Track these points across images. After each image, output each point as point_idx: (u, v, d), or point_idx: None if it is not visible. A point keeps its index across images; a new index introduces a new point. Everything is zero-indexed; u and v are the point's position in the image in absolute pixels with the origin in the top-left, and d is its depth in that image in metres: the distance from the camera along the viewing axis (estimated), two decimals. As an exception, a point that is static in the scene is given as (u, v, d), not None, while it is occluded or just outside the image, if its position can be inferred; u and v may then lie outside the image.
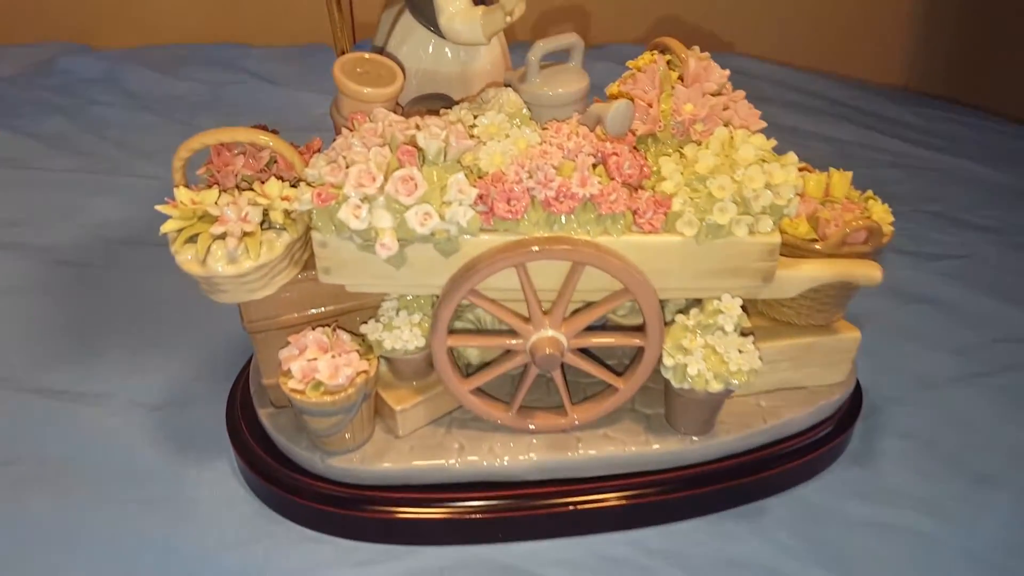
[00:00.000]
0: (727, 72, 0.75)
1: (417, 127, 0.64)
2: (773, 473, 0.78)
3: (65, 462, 0.84)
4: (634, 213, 0.66)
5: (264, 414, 0.79)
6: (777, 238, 0.66)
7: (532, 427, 0.74)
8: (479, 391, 0.73)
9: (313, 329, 0.71)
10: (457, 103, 0.76)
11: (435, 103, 0.77)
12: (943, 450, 0.86)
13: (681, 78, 0.80)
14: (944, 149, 1.53)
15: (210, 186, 0.71)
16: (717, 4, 1.94)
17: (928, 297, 1.10)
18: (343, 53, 0.75)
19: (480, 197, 0.64)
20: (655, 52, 0.86)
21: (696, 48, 0.85)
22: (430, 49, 0.77)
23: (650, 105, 0.73)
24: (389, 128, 0.64)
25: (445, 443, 0.74)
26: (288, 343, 0.70)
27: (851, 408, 0.84)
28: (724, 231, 0.65)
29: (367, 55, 0.70)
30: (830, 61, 1.95)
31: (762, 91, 1.74)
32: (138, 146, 1.49)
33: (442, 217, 0.62)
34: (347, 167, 0.62)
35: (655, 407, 0.77)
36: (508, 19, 0.69)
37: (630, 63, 0.87)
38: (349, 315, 0.75)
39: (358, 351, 0.70)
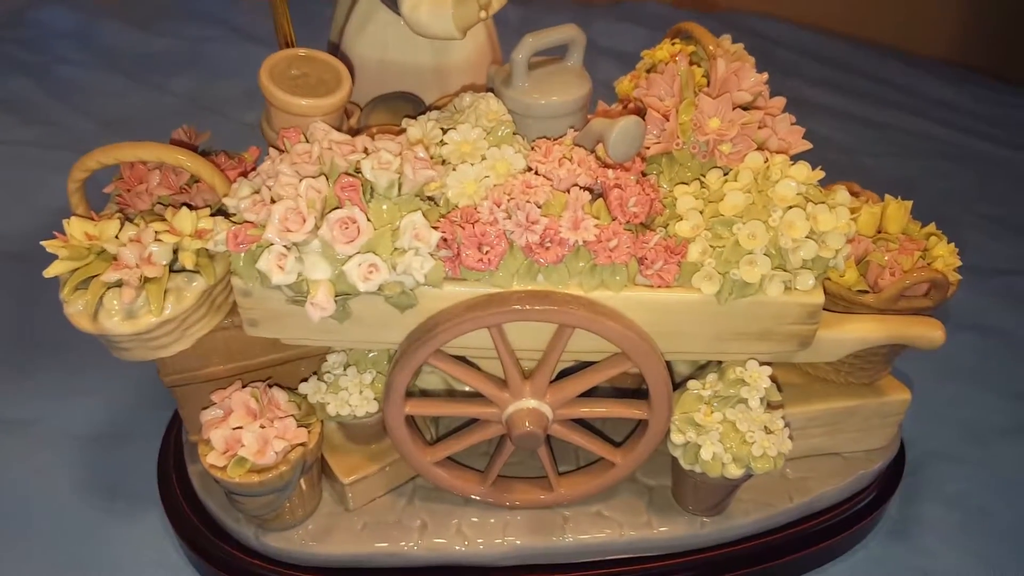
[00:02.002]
0: (764, 76, 0.60)
1: (364, 151, 0.50)
2: (797, 556, 0.65)
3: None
4: (640, 261, 0.52)
5: (194, 472, 0.66)
6: (819, 298, 0.53)
7: (511, 503, 0.61)
8: (446, 460, 0.61)
9: (243, 384, 0.58)
10: (429, 108, 0.62)
11: (401, 105, 0.63)
12: (997, 522, 0.73)
13: (707, 77, 0.65)
14: (1000, 139, 1.35)
15: (120, 209, 0.58)
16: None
17: (981, 324, 0.95)
18: (287, 44, 0.61)
19: (444, 240, 0.50)
20: (676, 41, 0.71)
21: (727, 38, 0.70)
22: (397, 36, 0.62)
23: (666, 117, 0.58)
24: (328, 152, 0.50)
25: (405, 520, 0.62)
26: (211, 400, 0.58)
27: (891, 474, 0.71)
28: (753, 289, 0.51)
29: (304, 52, 0.56)
30: (858, 24, 1.75)
31: (788, 62, 1.56)
32: (106, 114, 1.35)
33: (393, 267, 0.49)
34: (271, 200, 0.49)
35: (659, 477, 0.64)
36: (483, 14, 0.54)
37: (645, 53, 0.73)
38: (289, 364, 0.62)
39: (295, 416, 0.57)
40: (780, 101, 0.62)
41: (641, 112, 0.62)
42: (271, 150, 0.52)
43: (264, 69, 0.53)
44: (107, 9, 1.67)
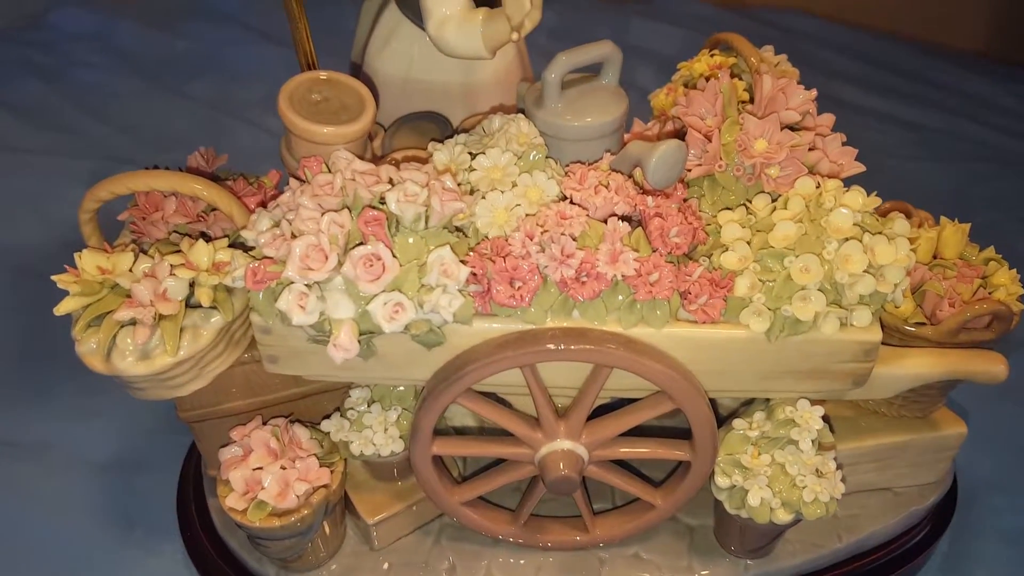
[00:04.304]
0: (813, 93, 0.56)
1: (390, 181, 0.47)
2: (845, 597, 0.62)
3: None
4: (683, 295, 0.49)
5: (214, 507, 0.64)
6: (877, 335, 0.49)
7: (544, 544, 0.58)
8: (475, 501, 0.58)
9: (263, 420, 0.56)
10: (457, 130, 0.59)
11: (427, 125, 0.60)
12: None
13: (749, 92, 0.61)
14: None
15: (135, 238, 0.55)
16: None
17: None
18: (308, 61, 0.58)
19: (474, 275, 0.47)
20: (715, 52, 0.67)
21: (769, 49, 0.66)
22: (422, 52, 0.59)
23: (708, 137, 0.55)
24: (351, 183, 0.47)
25: (432, 561, 0.59)
26: (230, 438, 0.55)
27: (943, 508, 0.67)
28: (806, 326, 0.48)
29: (325, 75, 0.52)
30: (892, 18, 1.69)
31: (822, 59, 1.51)
32: (121, 120, 1.32)
33: (420, 305, 0.46)
34: (291, 235, 0.46)
35: (701, 517, 0.61)
36: (515, 36, 0.50)
37: (682, 65, 0.69)
38: (311, 398, 0.59)
39: (317, 455, 0.55)
40: (829, 119, 0.58)
41: (680, 133, 0.58)
42: (291, 180, 0.49)
43: (283, 94, 0.50)
44: (124, 11, 1.64)
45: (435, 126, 0.60)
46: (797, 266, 0.47)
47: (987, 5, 1.72)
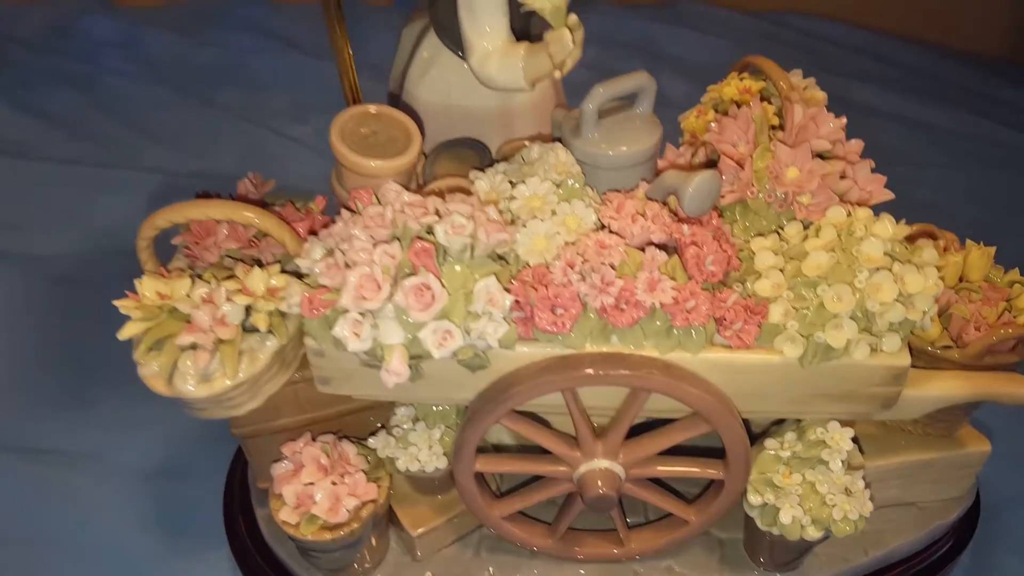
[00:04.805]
0: (843, 121, 0.58)
1: (437, 213, 0.49)
2: (870, 609, 0.64)
3: (40, 543, 0.73)
4: (718, 322, 0.51)
5: (262, 517, 0.67)
6: (906, 361, 0.51)
7: (580, 556, 0.61)
8: (514, 515, 0.60)
9: (313, 436, 0.58)
10: (496, 159, 0.61)
11: (466, 152, 0.62)
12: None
13: (779, 116, 0.63)
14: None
15: (192, 263, 0.58)
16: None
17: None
18: (352, 91, 0.60)
19: (517, 302, 0.50)
20: (744, 76, 0.69)
21: (797, 73, 0.68)
22: (461, 79, 0.61)
23: (740, 165, 0.57)
24: (400, 215, 0.49)
25: (472, 571, 0.61)
26: (282, 453, 0.58)
27: (966, 522, 0.69)
28: (838, 353, 0.50)
29: (374, 109, 0.55)
30: (910, 23, 1.69)
31: (836, 60, 1.51)
32: (151, 128, 1.34)
33: (467, 332, 0.48)
34: (345, 265, 0.48)
35: (732, 530, 0.63)
36: (557, 73, 0.52)
37: (712, 88, 0.70)
38: (358, 413, 0.62)
39: (365, 471, 0.57)
40: (858, 145, 0.60)
41: (712, 161, 0.60)
42: (343, 211, 0.51)
43: (334, 129, 0.52)
44: (151, 18, 1.67)
45: (474, 152, 0.62)
46: (830, 295, 0.49)
47: (1008, 8, 1.72)
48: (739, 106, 0.66)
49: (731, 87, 0.68)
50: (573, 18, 0.51)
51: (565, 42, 0.50)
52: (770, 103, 0.65)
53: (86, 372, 0.91)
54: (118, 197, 1.18)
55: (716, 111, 0.67)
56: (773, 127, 0.61)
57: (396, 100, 0.65)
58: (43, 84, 1.46)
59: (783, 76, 0.64)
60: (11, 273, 1.03)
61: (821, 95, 0.68)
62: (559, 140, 0.59)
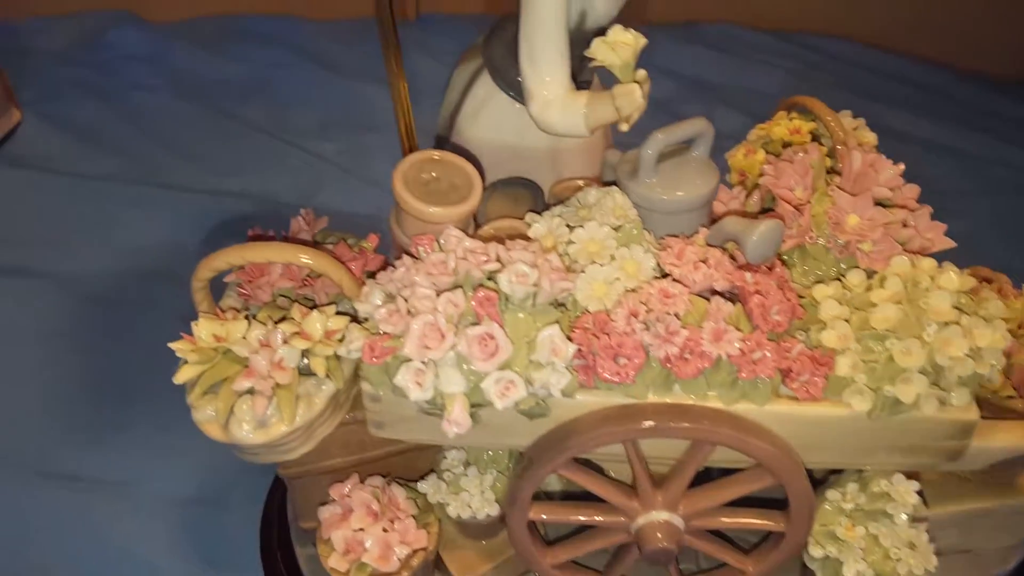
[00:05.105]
0: (901, 167, 0.57)
1: (498, 259, 0.49)
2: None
3: (69, 572, 0.73)
4: (784, 373, 0.50)
5: (303, 556, 0.66)
6: (974, 415, 0.50)
7: (629, 604, 0.60)
8: (566, 563, 0.59)
9: (361, 479, 0.58)
10: (549, 199, 0.60)
11: (519, 192, 0.61)
12: None
13: (831, 156, 0.62)
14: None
15: (245, 302, 0.57)
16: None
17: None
18: (404, 110, 0.59)
19: (579, 350, 0.49)
20: (793, 116, 0.68)
21: (847, 114, 0.67)
22: (512, 119, 0.61)
23: (799, 209, 0.56)
24: (463, 261, 0.48)
25: (519, 617, 0.60)
26: (329, 495, 0.57)
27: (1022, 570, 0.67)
28: (907, 407, 0.49)
29: (437, 155, 0.54)
30: (932, 44, 1.68)
31: (863, 83, 1.50)
32: (179, 144, 1.32)
33: (529, 382, 0.47)
34: (407, 312, 0.47)
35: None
36: (624, 127, 0.52)
37: (760, 127, 0.70)
38: (406, 454, 0.61)
39: (415, 517, 0.56)
40: (914, 190, 0.59)
41: (766, 208, 0.60)
42: (404, 256, 0.50)
43: (397, 174, 0.52)
44: (177, 32, 1.66)
45: (527, 192, 0.61)
46: (899, 348, 0.48)
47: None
48: (786, 146, 0.65)
49: (781, 127, 0.67)
50: (642, 73, 0.51)
51: (635, 97, 0.50)
52: (820, 143, 0.65)
53: (116, 395, 0.90)
54: (146, 214, 1.17)
55: (765, 150, 0.66)
56: (828, 171, 0.60)
57: (443, 143, 0.65)
58: (70, 97, 1.45)
59: (835, 119, 0.64)
60: (39, 291, 1.02)
61: (871, 136, 0.67)
62: (612, 182, 0.58)
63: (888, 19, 1.66)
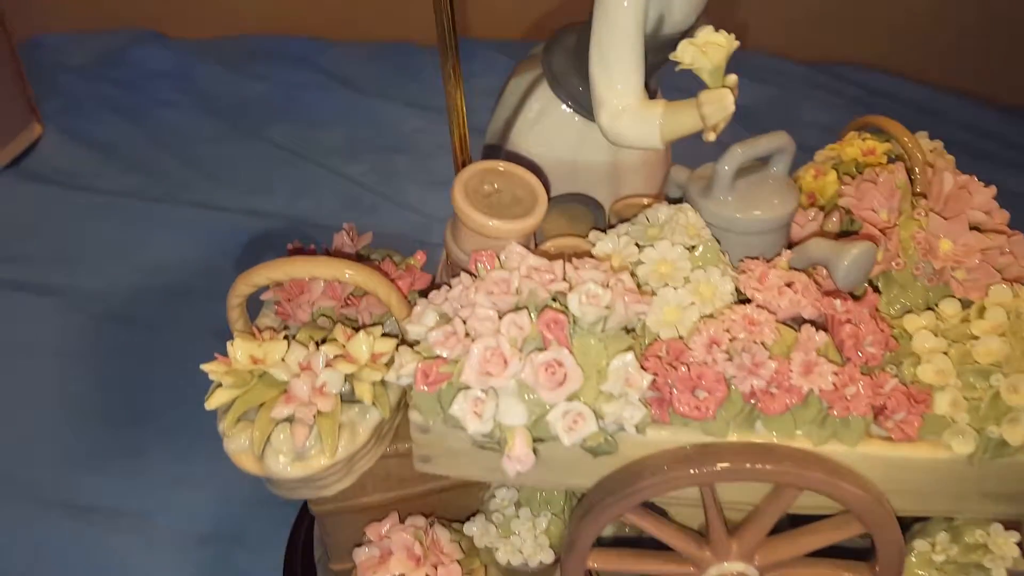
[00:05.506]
0: (993, 189, 0.53)
1: (565, 279, 0.45)
2: None
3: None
4: (877, 411, 0.45)
5: (331, 600, 0.61)
6: (1088, 460, 0.45)
7: (689, 660, 0.54)
8: (621, 613, 0.54)
9: (400, 516, 0.53)
10: (609, 217, 0.56)
11: (578, 209, 0.57)
12: None
13: (911, 177, 0.58)
14: None
15: (283, 322, 0.53)
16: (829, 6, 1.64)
17: None
18: (459, 121, 0.55)
19: (653, 382, 0.44)
20: (866, 136, 0.64)
21: (924, 135, 0.63)
22: (571, 133, 0.57)
23: (885, 233, 0.52)
24: (527, 280, 0.44)
25: (569, 673, 0.55)
26: (366, 536, 0.52)
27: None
28: (1013, 450, 0.44)
29: (501, 167, 0.50)
30: (969, 78, 1.64)
31: (902, 118, 1.47)
32: (201, 161, 1.30)
33: (599, 415, 0.43)
34: (466, 335, 0.43)
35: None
36: (711, 136, 0.48)
37: (831, 147, 0.66)
38: (448, 492, 0.56)
39: (460, 562, 0.51)
40: (1004, 215, 0.55)
41: (843, 227, 0.56)
42: (462, 275, 0.46)
43: (458, 185, 0.48)
44: (202, 50, 1.64)
45: (585, 209, 0.57)
46: (1006, 385, 0.44)
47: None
48: (858, 167, 0.61)
49: (853, 147, 0.63)
50: (732, 78, 0.47)
51: (725, 103, 0.46)
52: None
53: (134, 420, 0.86)
54: (169, 232, 1.14)
55: (837, 171, 0.62)
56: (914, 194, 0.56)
57: (494, 152, 0.61)
58: (93, 114, 1.43)
59: (913, 139, 0.60)
60: (57, 309, 0.99)
61: (949, 158, 0.64)
62: (679, 200, 0.54)
63: (926, 52, 1.63)
